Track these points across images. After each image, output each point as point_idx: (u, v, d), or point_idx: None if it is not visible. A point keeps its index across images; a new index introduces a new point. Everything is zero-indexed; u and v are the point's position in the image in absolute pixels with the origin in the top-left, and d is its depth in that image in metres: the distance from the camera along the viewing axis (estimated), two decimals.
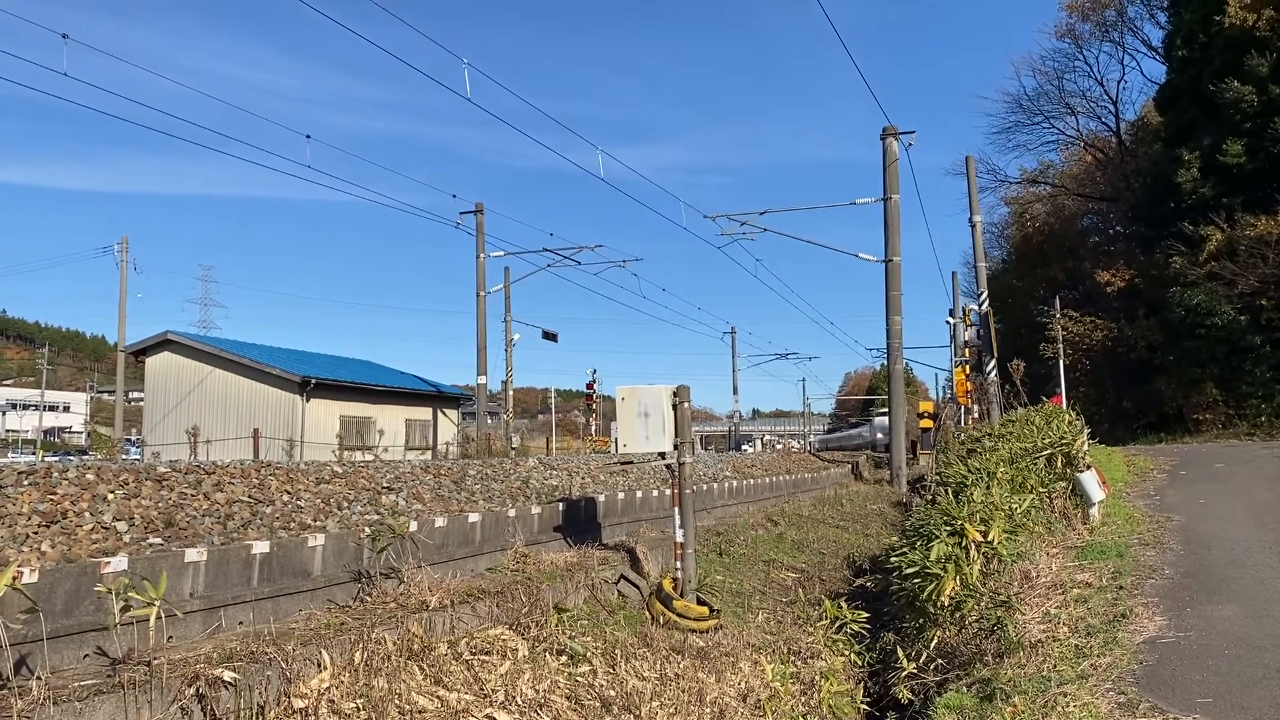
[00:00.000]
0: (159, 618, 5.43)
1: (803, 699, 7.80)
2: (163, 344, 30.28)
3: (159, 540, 6.99)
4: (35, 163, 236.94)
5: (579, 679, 7.18)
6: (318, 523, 8.60)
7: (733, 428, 64.63)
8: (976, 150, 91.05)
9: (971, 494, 10.59)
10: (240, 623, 6.85)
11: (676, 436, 10.00)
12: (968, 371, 30.97)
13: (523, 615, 7.96)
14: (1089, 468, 12.20)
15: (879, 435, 53.40)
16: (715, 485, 17.93)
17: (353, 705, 5.75)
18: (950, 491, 11.56)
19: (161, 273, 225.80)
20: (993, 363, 28.27)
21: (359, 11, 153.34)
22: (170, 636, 6.13)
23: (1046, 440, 13.19)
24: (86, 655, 5.74)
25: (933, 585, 8.63)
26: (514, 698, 6.48)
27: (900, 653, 8.01)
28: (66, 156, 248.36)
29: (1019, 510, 10.42)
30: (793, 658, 8.97)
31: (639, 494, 14.42)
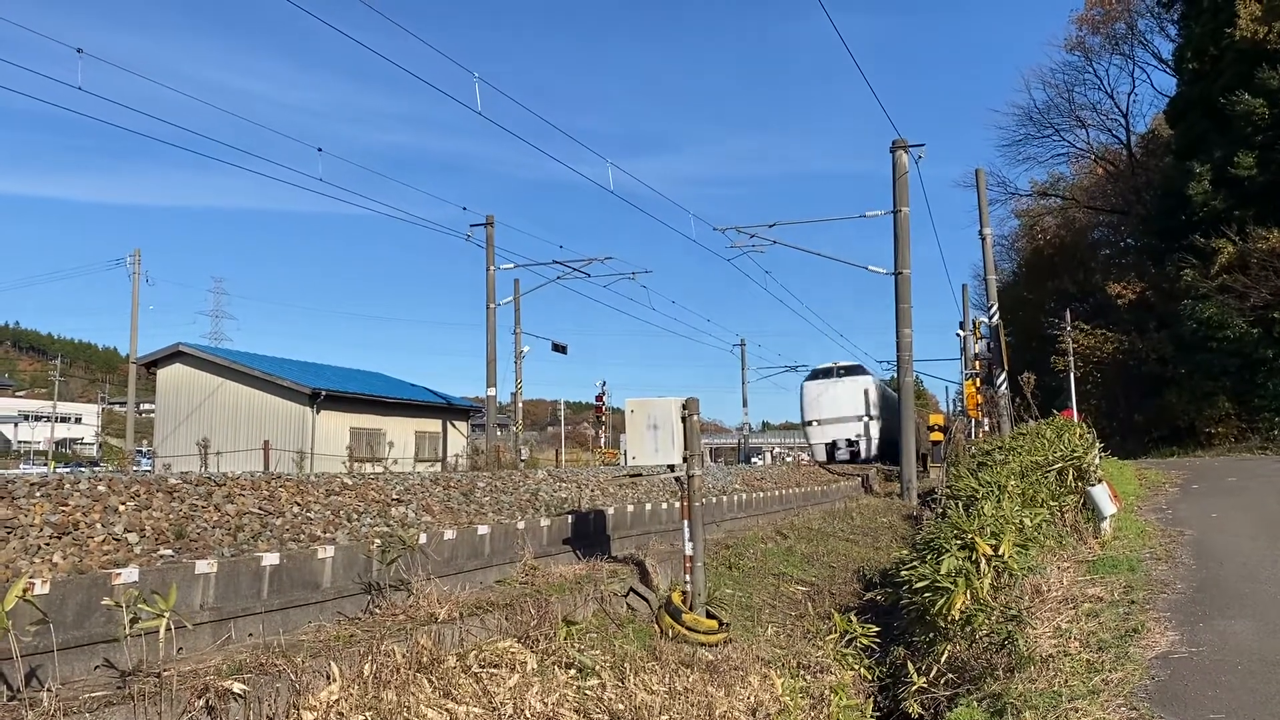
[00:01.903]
0: (169, 629, 5.45)
1: (812, 713, 7.75)
2: (174, 356, 30.46)
3: (169, 552, 7.03)
4: (49, 175, 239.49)
5: (588, 692, 7.16)
6: (327, 535, 8.63)
7: (742, 440, 64.44)
8: (987, 163, 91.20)
9: (982, 507, 10.54)
10: (250, 634, 6.87)
11: (685, 449, 9.98)
12: (978, 384, 30.88)
13: (531, 628, 7.95)
14: (1100, 481, 12.14)
15: (813, 422, 37.07)
16: (724, 498, 17.89)
17: (362, 718, 5.75)
18: (960, 505, 11.51)
19: (173, 285, 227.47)
20: (1003, 375, 28.18)
21: (370, 25, 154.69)
22: (180, 648, 6.14)
23: (1057, 454, 13.14)
24: (97, 667, 5.76)
25: (943, 599, 8.59)
26: (522, 711, 6.47)
27: (910, 667, 7.96)
28: (80, 169, 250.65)
29: (1030, 524, 10.36)
30: (802, 672, 8.92)
31: (648, 506, 14.40)
